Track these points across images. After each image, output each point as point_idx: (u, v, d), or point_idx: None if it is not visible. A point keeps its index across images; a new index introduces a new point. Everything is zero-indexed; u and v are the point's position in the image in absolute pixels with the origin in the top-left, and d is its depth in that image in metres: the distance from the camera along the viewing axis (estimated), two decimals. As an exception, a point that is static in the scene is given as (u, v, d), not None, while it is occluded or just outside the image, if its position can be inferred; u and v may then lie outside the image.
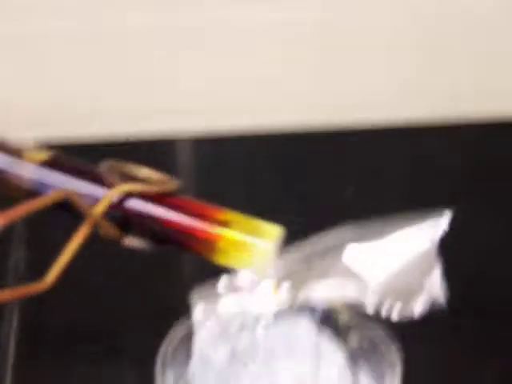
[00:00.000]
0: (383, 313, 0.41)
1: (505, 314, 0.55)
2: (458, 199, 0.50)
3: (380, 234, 0.45)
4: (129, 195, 0.37)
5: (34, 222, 0.56)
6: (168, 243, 0.38)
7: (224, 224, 0.38)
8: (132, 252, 0.40)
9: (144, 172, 0.38)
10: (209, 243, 0.38)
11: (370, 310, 0.42)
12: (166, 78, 0.72)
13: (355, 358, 0.43)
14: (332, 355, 0.43)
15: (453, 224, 0.45)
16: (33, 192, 0.38)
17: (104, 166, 0.38)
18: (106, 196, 0.36)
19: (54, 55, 0.71)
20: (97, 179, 0.38)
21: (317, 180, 0.68)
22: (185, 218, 0.38)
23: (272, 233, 0.38)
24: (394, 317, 0.41)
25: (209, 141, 0.73)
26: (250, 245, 0.38)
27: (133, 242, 0.38)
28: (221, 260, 0.39)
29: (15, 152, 0.39)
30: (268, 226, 0.38)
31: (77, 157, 0.70)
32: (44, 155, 0.39)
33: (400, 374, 0.40)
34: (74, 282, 0.48)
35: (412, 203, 0.53)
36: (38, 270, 0.60)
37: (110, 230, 0.36)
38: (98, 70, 0.71)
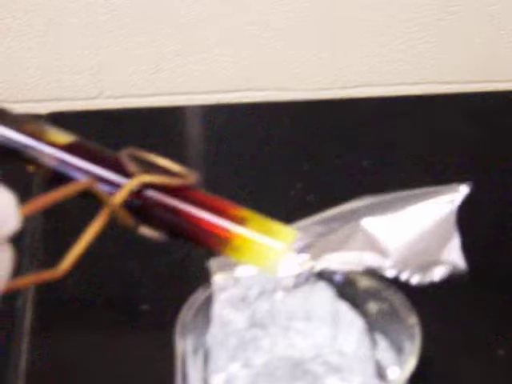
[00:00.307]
0: (402, 279, 0.41)
1: None
2: (473, 169, 0.50)
3: (398, 205, 0.45)
4: (148, 185, 0.37)
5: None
6: (182, 236, 0.39)
7: (240, 222, 0.38)
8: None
9: (163, 162, 0.38)
10: (224, 240, 0.37)
11: (389, 276, 0.42)
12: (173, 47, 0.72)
13: (374, 323, 0.43)
14: (351, 321, 0.43)
15: (470, 195, 0.45)
16: (54, 174, 0.39)
17: (124, 154, 0.38)
18: (126, 186, 0.36)
19: (60, 26, 0.71)
20: (117, 167, 0.38)
21: (332, 152, 0.68)
22: (202, 213, 0.38)
23: (287, 235, 0.38)
24: (413, 283, 0.41)
25: (220, 108, 0.73)
26: (265, 245, 0.38)
27: (147, 231, 0.38)
28: (234, 257, 0.39)
29: (37, 132, 0.39)
30: (283, 227, 0.39)
31: (88, 126, 0.71)
32: (66, 139, 0.39)
33: (419, 340, 0.40)
34: (92, 249, 0.49)
35: (428, 173, 0.53)
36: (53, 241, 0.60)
37: (126, 218, 0.36)
38: (105, 40, 0.71)
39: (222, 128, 0.71)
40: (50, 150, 0.38)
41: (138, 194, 0.37)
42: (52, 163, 0.38)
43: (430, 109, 0.72)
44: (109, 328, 0.54)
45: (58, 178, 0.38)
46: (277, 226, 0.38)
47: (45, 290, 0.55)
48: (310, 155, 0.67)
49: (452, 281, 0.41)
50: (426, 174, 0.63)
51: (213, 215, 0.38)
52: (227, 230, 0.37)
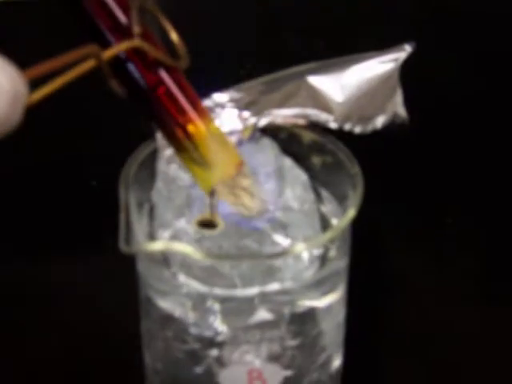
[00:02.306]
0: (345, 129, 0.42)
1: (461, 134, 0.56)
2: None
3: (344, 65, 0.45)
4: (141, 50, 0.36)
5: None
6: (146, 108, 0.38)
7: (207, 125, 0.38)
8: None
9: (169, 29, 0.38)
10: (184, 128, 0.38)
11: (333, 128, 0.42)
12: None
13: (318, 177, 0.44)
14: (295, 176, 0.43)
15: (413, 56, 0.45)
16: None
17: (134, 5, 0.37)
18: (120, 46, 0.36)
19: None
20: (127, 13, 0.37)
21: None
22: (177, 94, 0.38)
23: (236, 159, 0.39)
24: (356, 132, 0.42)
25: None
26: (218, 155, 0.38)
27: (116, 87, 0.37)
28: (181, 156, 0.39)
29: None
30: (236, 151, 0.39)
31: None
32: None
33: (361, 188, 0.41)
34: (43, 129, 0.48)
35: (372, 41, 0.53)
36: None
37: (107, 69, 0.36)
38: None
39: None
40: None
41: (127, 51, 0.36)
42: None
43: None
44: (59, 205, 0.54)
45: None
46: (232, 147, 0.38)
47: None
48: (263, 38, 0.67)
49: (394, 130, 0.42)
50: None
51: (187, 102, 0.38)
52: (194, 121, 0.38)
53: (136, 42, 0.36)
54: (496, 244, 0.53)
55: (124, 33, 0.36)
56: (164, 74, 0.37)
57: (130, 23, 0.36)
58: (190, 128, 0.38)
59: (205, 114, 0.38)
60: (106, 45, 0.36)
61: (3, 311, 0.50)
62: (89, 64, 0.34)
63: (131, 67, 0.37)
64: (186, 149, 0.38)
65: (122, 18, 0.36)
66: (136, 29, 0.36)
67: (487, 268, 0.52)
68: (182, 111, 0.38)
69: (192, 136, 0.38)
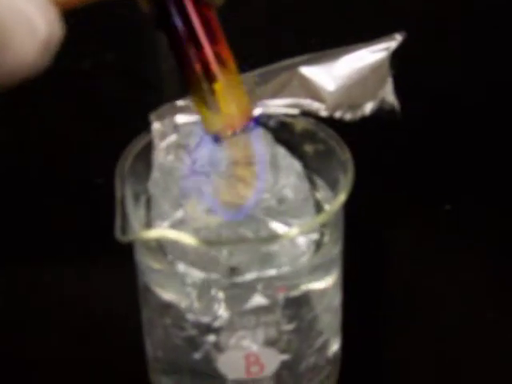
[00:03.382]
0: (336, 117, 0.42)
1: (454, 120, 0.56)
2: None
3: (335, 55, 0.46)
4: None
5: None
6: (172, 43, 0.38)
7: (229, 70, 0.38)
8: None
9: None
10: (203, 71, 0.37)
11: (324, 116, 0.43)
12: None
13: (311, 165, 0.44)
14: (289, 165, 0.44)
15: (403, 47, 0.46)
16: None
17: None
18: None
19: None
20: None
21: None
22: (207, 35, 0.37)
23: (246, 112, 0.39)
24: (347, 119, 0.42)
25: None
26: (227, 106, 0.38)
27: (146, 7, 0.36)
28: (194, 95, 0.39)
29: None
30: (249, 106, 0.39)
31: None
32: None
33: (352, 173, 0.41)
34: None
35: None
36: None
37: None
38: None
39: None
40: None
41: None
42: None
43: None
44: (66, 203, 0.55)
45: None
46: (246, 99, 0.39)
47: None
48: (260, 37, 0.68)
49: (383, 116, 0.42)
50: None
51: (214, 43, 0.37)
52: (216, 62, 0.37)
53: None
54: (495, 231, 0.54)
55: None
56: (197, 9, 0.37)
57: None
58: (212, 68, 0.38)
59: (229, 60, 0.38)
60: None
61: (3, 311, 0.50)
62: None
63: None
64: (201, 89, 0.38)
65: None
66: None
67: (486, 254, 0.53)
68: (208, 50, 0.37)
69: (211, 76, 0.38)
